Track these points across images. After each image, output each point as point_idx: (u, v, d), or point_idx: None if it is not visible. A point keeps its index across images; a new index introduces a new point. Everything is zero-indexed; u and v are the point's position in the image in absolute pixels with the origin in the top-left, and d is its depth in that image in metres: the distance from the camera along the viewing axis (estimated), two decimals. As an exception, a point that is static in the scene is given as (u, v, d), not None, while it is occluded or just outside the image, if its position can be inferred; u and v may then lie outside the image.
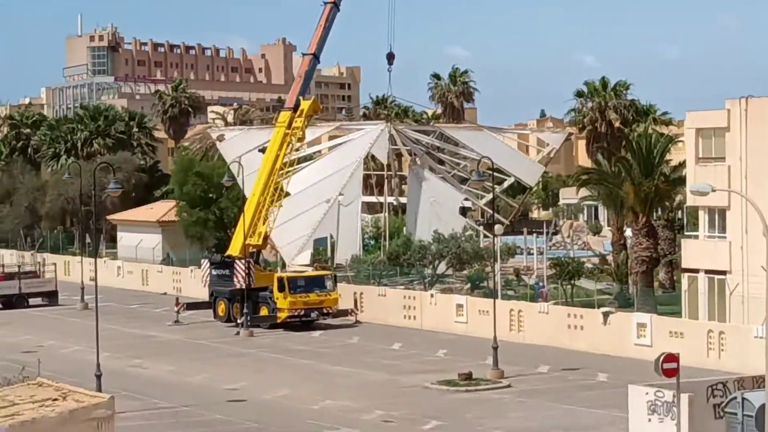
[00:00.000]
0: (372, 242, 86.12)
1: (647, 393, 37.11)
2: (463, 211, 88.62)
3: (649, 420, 36.75)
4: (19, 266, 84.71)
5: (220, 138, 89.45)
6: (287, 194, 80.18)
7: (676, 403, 36.00)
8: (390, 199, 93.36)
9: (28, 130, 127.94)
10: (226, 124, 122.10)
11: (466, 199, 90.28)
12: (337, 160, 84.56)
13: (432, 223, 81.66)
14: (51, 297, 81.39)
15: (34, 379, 33.97)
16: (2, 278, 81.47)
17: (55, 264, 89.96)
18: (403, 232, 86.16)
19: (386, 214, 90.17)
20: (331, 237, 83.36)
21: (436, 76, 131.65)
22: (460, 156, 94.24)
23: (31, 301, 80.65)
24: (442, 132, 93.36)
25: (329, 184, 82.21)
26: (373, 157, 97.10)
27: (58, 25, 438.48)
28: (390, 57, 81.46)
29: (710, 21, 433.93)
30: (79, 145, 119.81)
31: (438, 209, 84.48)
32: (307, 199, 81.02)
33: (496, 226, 67.12)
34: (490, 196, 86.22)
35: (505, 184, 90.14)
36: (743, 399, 35.96)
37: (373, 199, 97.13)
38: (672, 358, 35.93)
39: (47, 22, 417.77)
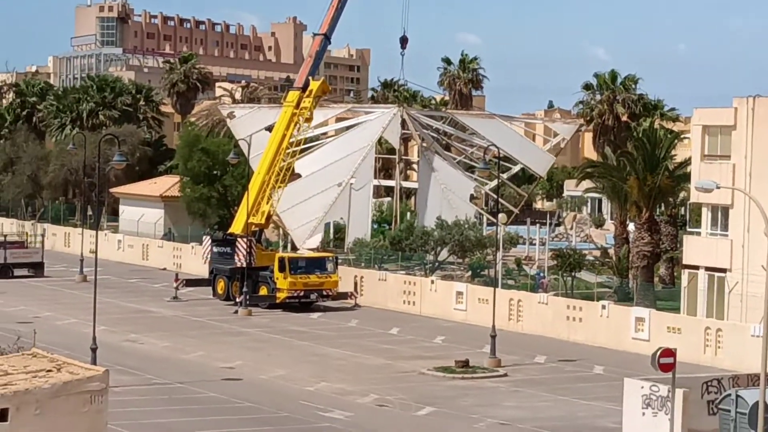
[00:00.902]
0: (375, 226, 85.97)
1: (642, 387, 37.12)
2: (470, 197, 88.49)
3: (644, 414, 36.76)
4: (4, 236, 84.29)
5: (231, 115, 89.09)
6: (298, 176, 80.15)
7: (670, 397, 36.03)
8: (404, 184, 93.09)
9: (33, 99, 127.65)
10: (234, 101, 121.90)
11: (477, 187, 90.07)
12: (349, 143, 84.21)
13: (443, 209, 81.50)
14: (37, 268, 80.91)
15: (29, 349, 33.89)
16: None
17: (43, 235, 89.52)
18: (406, 217, 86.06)
19: (397, 199, 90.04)
20: (342, 220, 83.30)
21: (447, 61, 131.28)
22: (467, 143, 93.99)
23: (17, 271, 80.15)
24: (453, 118, 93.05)
25: (341, 167, 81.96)
26: (379, 140, 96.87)
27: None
28: (403, 41, 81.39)
29: (721, 20, 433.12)
30: (84, 115, 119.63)
31: (449, 196, 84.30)
32: (319, 181, 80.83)
33: (500, 215, 67.13)
34: (494, 183, 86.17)
35: (512, 171, 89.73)
36: (737, 396, 36.00)
37: (380, 182, 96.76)
38: (669, 353, 36.03)
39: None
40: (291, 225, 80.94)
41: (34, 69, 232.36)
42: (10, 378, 29.04)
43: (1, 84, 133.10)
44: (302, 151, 76.24)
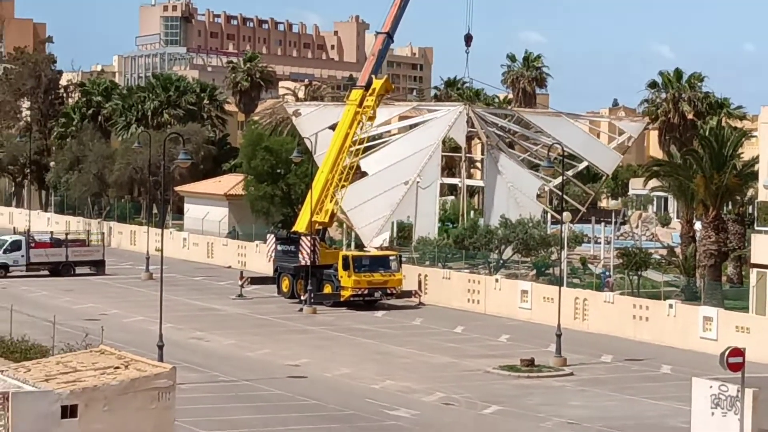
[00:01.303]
0: (439, 225, 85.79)
1: (711, 386, 36.73)
2: (536, 196, 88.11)
3: (712, 414, 36.35)
4: (66, 234, 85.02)
5: (296, 113, 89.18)
6: (364, 174, 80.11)
7: (740, 397, 35.63)
8: (468, 182, 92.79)
9: (99, 98, 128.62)
10: (297, 99, 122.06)
11: (542, 186, 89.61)
12: (415, 141, 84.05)
13: (509, 208, 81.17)
14: (98, 266, 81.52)
15: (97, 346, 34.14)
16: (50, 245, 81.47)
17: (104, 233, 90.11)
18: (470, 216, 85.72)
19: (464, 197, 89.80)
20: (408, 219, 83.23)
21: (511, 58, 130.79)
22: (532, 141, 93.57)
23: (79, 269, 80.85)
24: (518, 116, 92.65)
25: (407, 165, 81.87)
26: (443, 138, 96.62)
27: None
28: (468, 38, 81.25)
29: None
30: (149, 114, 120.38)
31: (516, 194, 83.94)
32: (385, 180, 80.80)
33: (565, 213, 66.67)
34: (557, 180, 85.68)
35: (578, 168, 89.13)
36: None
37: (446, 180, 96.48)
38: (737, 352, 35.66)
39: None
40: (358, 223, 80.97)
41: (99, 68, 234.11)
42: (79, 375, 29.28)
43: (68, 83, 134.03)
44: (366, 149, 76.22)
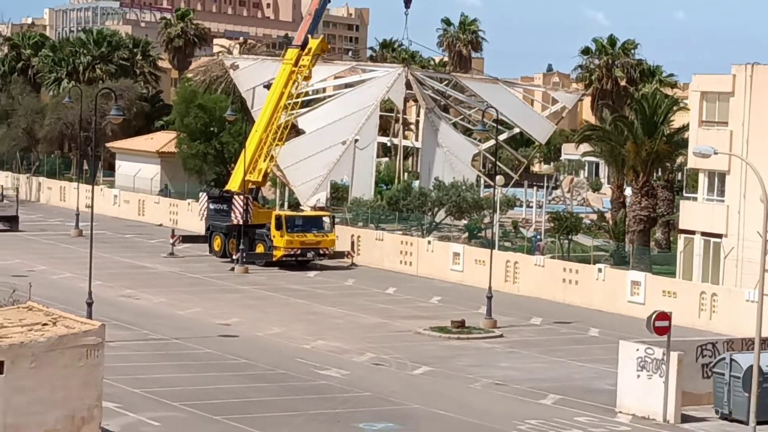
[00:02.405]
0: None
1: (638, 349, 37.27)
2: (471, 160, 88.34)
3: (638, 376, 36.90)
4: None
5: (234, 66, 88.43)
6: (302, 132, 79.79)
7: (665, 360, 36.16)
8: (405, 143, 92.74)
9: (29, 51, 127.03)
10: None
11: (477, 153, 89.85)
12: (353, 101, 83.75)
13: (445, 171, 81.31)
14: (12, 222, 79.59)
15: (25, 303, 33.86)
16: None
17: (18, 188, 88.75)
18: (404, 178, 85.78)
19: (400, 159, 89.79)
20: (345, 179, 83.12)
21: (447, 21, 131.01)
22: (465, 105, 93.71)
23: None
24: (456, 80, 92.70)
25: (345, 125, 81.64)
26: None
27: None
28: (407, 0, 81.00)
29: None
30: (81, 69, 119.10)
31: (451, 159, 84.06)
32: (323, 138, 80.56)
33: (498, 177, 67.00)
34: (488, 144, 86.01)
35: (511, 133, 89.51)
36: (731, 360, 36.22)
37: (382, 139, 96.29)
38: (664, 316, 36.28)
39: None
40: (294, 182, 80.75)
41: (29, 21, 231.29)
42: (6, 331, 29.03)
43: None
44: (302, 106, 75.86)
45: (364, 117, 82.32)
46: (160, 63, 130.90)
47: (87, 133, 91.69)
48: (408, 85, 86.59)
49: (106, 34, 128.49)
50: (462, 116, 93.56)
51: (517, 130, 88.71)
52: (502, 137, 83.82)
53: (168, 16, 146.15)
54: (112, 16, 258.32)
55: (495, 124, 68.63)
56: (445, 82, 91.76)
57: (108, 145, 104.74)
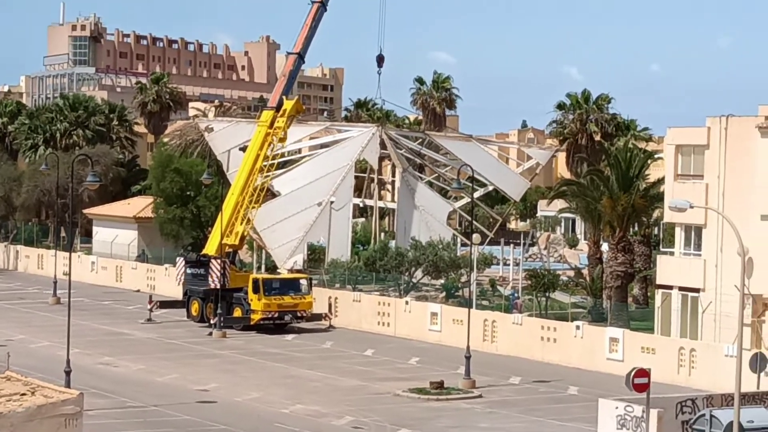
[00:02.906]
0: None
1: (617, 407, 37.30)
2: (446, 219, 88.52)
3: (619, 436, 36.86)
4: None
5: (208, 129, 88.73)
6: (278, 194, 79.91)
7: (645, 418, 36.17)
8: (381, 204, 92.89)
9: (5, 119, 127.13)
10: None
11: (453, 211, 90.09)
12: (328, 161, 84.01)
13: (420, 231, 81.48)
14: None
15: (2, 373, 33.72)
16: None
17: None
18: (380, 238, 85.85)
19: (376, 219, 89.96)
20: (321, 240, 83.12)
21: (419, 81, 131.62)
22: (440, 164, 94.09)
23: None
24: (430, 139, 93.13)
25: (320, 186, 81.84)
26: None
27: (41, 13, 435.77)
28: (380, 59, 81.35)
29: (694, 41, 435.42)
30: (57, 136, 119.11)
31: (427, 218, 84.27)
32: (298, 200, 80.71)
33: (474, 236, 67.13)
34: (464, 201, 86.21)
35: (487, 190, 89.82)
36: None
37: (357, 201, 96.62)
38: (643, 373, 36.25)
39: (30, 10, 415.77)
40: (271, 244, 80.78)
41: (6, 89, 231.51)
42: (-16, 403, 28.86)
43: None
44: (278, 168, 76.03)
45: (339, 177, 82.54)
46: (136, 128, 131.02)
47: (64, 200, 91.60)
48: (383, 145, 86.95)
49: (83, 99, 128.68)
50: (436, 174, 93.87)
51: (491, 188, 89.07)
52: (477, 195, 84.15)
53: (143, 80, 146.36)
54: (88, 81, 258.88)
55: (470, 183, 68.86)
56: (419, 140, 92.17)
57: (85, 211, 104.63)
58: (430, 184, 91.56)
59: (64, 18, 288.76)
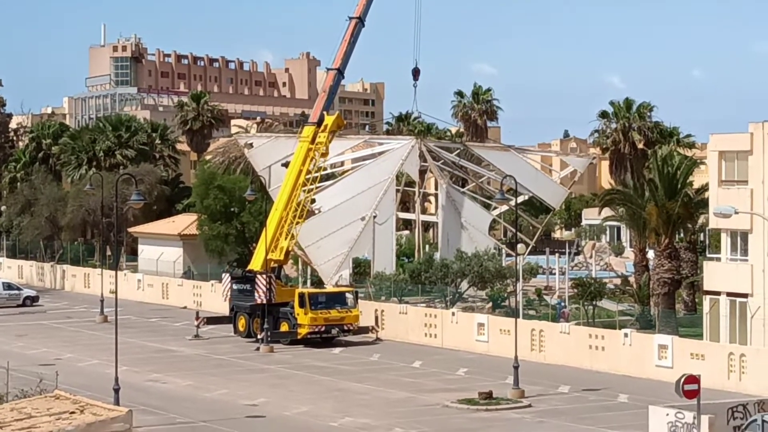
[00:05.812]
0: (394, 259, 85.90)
1: (668, 414, 37.05)
2: (488, 230, 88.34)
3: (670, 443, 36.58)
4: None
5: (248, 146, 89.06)
6: (319, 210, 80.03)
7: (696, 424, 35.88)
8: (423, 217, 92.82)
9: (49, 141, 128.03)
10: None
11: (495, 221, 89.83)
12: (369, 176, 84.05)
13: (463, 242, 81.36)
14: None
15: (52, 391, 33.91)
16: None
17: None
18: (425, 250, 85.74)
19: (419, 231, 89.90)
20: (366, 255, 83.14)
21: (460, 94, 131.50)
22: (480, 175, 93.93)
23: None
24: (468, 150, 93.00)
25: (363, 200, 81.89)
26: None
27: (82, 35, 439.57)
28: (415, 72, 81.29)
29: (735, 45, 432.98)
30: (101, 155, 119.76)
31: (469, 229, 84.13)
32: (341, 215, 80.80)
33: (519, 245, 66.93)
34: (500, 210, 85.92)
35: (525, 198, 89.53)
36: (763, 421, 35.90)
37: (401, 215, 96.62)
38: (693, 379, 35.95)
39: (71, 31, 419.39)
40: (317, 260, 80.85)
41: (49, 110, 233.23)
42: (34, 421, 29.05)
43: (18, 126, 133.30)
44: (322, 181, 76.24)
45: (381, 191, 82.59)
46: (178, 146, 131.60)
47: (109, 219, 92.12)
48: (422, 157, 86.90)
49: (125, 119, 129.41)
50: (475, 184, 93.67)
51: (527, 196, 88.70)
52: (519, 199, 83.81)
53: (185, 99, 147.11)
54: (130, 101, 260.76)
55: (511, 194, 68.62)
56: (457, 151, 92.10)
57: (130, 230, 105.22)
58: (471, 196, 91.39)
59: (105, 39, 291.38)
